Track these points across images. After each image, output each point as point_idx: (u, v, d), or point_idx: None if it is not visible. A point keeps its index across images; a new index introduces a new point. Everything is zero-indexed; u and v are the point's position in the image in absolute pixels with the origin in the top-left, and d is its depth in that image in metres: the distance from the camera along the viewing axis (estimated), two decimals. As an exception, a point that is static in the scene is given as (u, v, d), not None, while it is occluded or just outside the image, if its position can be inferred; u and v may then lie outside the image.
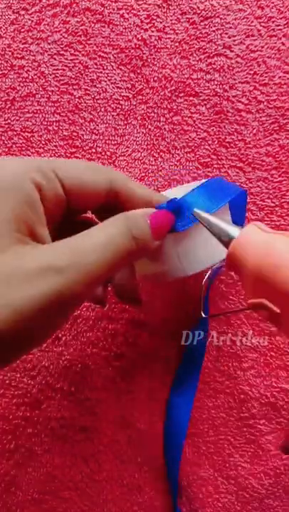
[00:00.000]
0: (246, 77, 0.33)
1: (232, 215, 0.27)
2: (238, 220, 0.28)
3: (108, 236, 0.20)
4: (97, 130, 0.33)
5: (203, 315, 0.28)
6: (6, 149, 0.33)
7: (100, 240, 0.20)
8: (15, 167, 0.20)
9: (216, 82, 0.33)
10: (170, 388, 0.33)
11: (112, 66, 0.33)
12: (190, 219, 0.24)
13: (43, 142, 0.33)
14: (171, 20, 0.33)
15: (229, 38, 0.33)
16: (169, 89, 0.33)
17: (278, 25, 0.33)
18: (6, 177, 0.19)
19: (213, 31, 0.33)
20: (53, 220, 0.22)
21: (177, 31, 0.33)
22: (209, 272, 0.29)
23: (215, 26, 0.33)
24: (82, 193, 0.22)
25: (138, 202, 0.24)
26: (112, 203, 0.23)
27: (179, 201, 0.24)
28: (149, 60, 0.33)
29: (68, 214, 0.23)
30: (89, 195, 0.22)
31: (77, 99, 0.33)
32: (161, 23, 0.33)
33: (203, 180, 0.26)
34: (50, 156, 0.33)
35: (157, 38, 0.33)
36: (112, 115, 0.33)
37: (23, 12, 0.33)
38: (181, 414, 0.32)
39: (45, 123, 0.33)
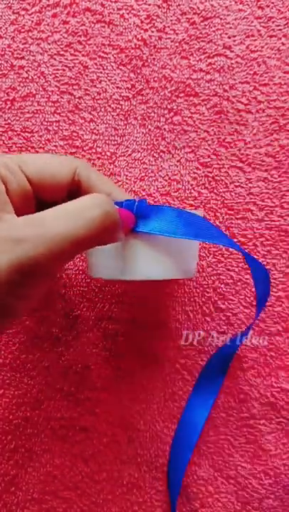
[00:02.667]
0: (246, 77, 0.33)
1: (257, 289, 0.27)
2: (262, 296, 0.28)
3: (76, 206, 0.20)
4: (97, 130, 0.33)
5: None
6: (6, 149, 0.33)
7: (66, 209, 0.20)
8: None
9: (216, 82, 0.33)
10: (192, 386, 0.33)
11: (112, 66, 0.33)
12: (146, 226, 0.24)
13: (43, 142, 0.33)
14: (171, 20, 0.33)
15: (229, 38, 0.33)
16: (169, 90, 0.33)
17: (278, 26, 0.33)
18: None
19: (213, 31, 0.33)
20: (23, 210, 0.22)
21: (177, 31, 0.33)
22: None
23: (215, 26, 0.33)
24: (46, 184, 0.23)
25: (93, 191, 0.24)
26: (76, 194, 0.24)
27: (139, 205, 0.24)
28: (149, 60, 0.33)
29: (39, 206, 0.24)
30: (53, 185, 0.23)
31: (77, 100, 0.33)
32: (161, 23, 0.33)
33: (200, 211, 0.26)
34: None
35: (157, 38, 0.33)
36: (112, 115, 0.33)
37: (23, 12, 0.33)
38: (198, 415, 0.32)
39: (45, 123, 0.33)
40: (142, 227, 0.24)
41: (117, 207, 0.23)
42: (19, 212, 0.22)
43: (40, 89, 0.33)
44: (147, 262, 0.25)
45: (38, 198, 0.23)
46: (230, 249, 0.33)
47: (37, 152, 0.33)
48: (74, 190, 0.25)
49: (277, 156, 0.33)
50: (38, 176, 0.23)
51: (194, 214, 0.25)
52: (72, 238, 0.19)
